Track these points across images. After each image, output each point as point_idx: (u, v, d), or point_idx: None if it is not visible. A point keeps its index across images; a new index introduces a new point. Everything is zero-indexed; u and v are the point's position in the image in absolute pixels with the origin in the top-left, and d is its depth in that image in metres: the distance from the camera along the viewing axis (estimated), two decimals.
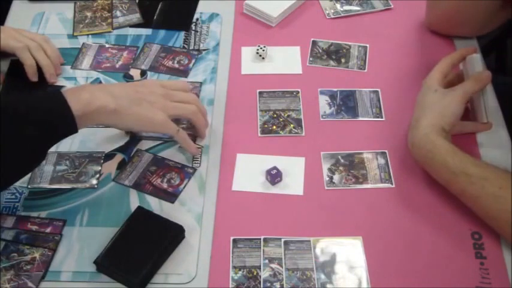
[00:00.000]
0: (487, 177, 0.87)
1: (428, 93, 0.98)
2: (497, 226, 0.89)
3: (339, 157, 1.01)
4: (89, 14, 1.26)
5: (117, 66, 1.16)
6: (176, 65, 1.16)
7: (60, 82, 1.14)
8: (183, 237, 0.91)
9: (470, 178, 0.88)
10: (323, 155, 1.02)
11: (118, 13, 1.26)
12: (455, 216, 0.93)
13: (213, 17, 1.25)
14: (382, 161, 1.01)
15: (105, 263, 0.87)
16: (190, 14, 1.26)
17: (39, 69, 1.11)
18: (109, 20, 1.25)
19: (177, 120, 1.00)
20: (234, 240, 0.91)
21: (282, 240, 0.91)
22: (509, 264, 0.88)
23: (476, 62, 1.01)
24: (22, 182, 0.98)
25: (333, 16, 1.25)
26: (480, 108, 1.01)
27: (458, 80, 1.02)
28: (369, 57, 1.17)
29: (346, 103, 1.09)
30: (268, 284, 0.87)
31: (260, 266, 0.88)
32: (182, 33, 1.22)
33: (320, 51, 1.18)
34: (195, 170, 1.00)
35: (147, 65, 1.16)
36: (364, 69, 1.15)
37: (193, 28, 1.23)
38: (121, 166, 1.01)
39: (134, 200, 0.96)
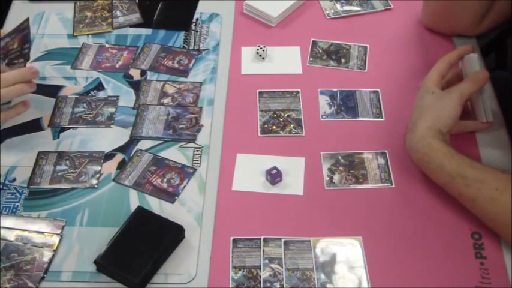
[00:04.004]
0: (484, 180, 0.87)
1: (425, 96, 0.98)
2: (495, 227, 0.89)
3: (339, 157, 1.01)
4: (89, 14, 1.26)
5: (117, 66, 1.16)
6: (176, 65, 1.16)
7: (60, 82, 1.14)
8: (183, 237, 0.91)
9: (467, 181, 0.88)
10: (323, 155, 1.02)
11: (118, 13, 1.26)
12: (455, 216, 0.93)
13: (213, 17, 1.25)
14: (382, 161, 1.01)
15: (105, 263, 0.87)
16: (190, 14, 1.26)
17: None
18: (109, 20, 1.25)
19: None
20: (234, 240, 0.91)
21: (282, 240, 0.91)
22: (509, 264, 0.88)
23: (473, 62, 1.00)
24: (22, 182, 0.98)
25: (333, 16, 1.25)
26: (479, 107, 1.01)
27: (457, 79, 1.02)
28: (369, 57, 1.17)
29: (346, 103, 1.09)
30: (268, 284, 0.87)
31: (260, 266, 0.88)
32: (182, 33, 1.22)
33: (320, 51, 1.18)
34: (195, 170, 1.00)
35: (147, 65, 1.16)
36: (364, 69, 1.15)
37: (193, 28, 1.23)
38: (121, 166, 1.01)
39: (134, 200, 0.96)
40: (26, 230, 0.92)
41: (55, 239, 0.91)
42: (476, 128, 1.02)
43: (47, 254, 0.89)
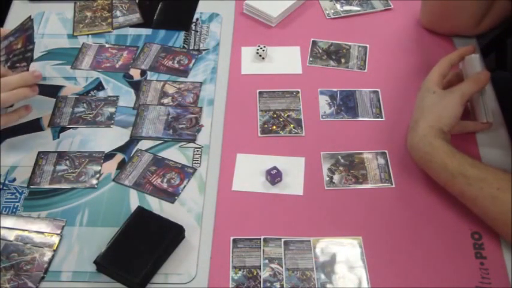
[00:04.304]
0: (485, 179, 0.87)
1: (426, 95, 0.98)
2: (496, 227, 0.89)
3: (339, 157, 1.01)
4: (89, 14, 1.26)
5: (117, 66, 1.16)
6: (176, 65, 1.16)
7: (60, 82, 1.14)
8: (183, 237, 0.91)
9: (468, 179, 0.88)
10: (323, 155, 1.02)
11: (118, 13, 1.26)
12: (455, 216, 0.93)
13: (213, 17, 1.25)
14: (382, 161, 1.01)
15: (105, 263, 0.87)
16: (190, 14, 1.26)
17: None
18: (109, 20, 1.25)
19: None
20: (234, 240, 0.91)
21: (282, 240, 0.91)
22: (509, 264, 0.88)
23: (475, 62, 1.01)
24: (22, 182, 0.98)
25: (333, 16, 1.25)
26: (479, 108, 1.01)
27: (458, 79, 1.02)
28: (369, 57, 1.17)
29: (346, 103, 1.09)
30: (268, 284, 0.87)
31: (260, 266, 0.88)
32: (182, 33, 1.22)
33: (320, 51, 1.18)
34: (195, 170, 1.00)
35: (147, 65, 1.16)
36: (364, 69, 1.15)
37: (193, 28, 1.23)
38: (121, 166, 1.01)
39: (134, 200, 0.96)
40: (26, 230, 0.92)
41: (55, 239, 0.91)
42: (476, 128, 1.02)
43: (47, 254, 0.89)
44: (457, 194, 0.91)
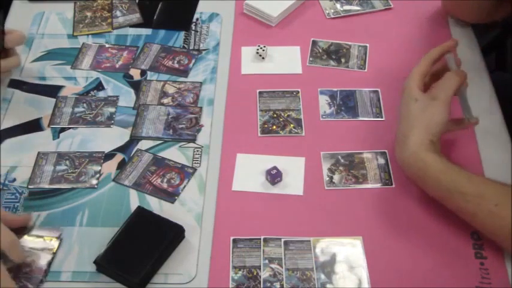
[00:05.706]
0: (483, 195, 0.85)
1: (410, 103, 0.94)
2: (497, 241, 0.88)
3: (339, 157, 1.01)
4: (89, 14, 1.26)
5: (117, 66, 1.16)
6: (176, 65, 1.16)
7: (60, 82, 1.14)
8: (183, 237, 0.91)
9: (465, 196, 0.86)
10: (323, 155, 1.02)
11: (118, 13, 1.26)
12: (455, 216, 0.93)
13: (213, 17, 1.25)
14: (382, 161, 1.01)
15: (105, 263, 0.87)
16: (190, 14, 1.26)
17: None
18: (109, 20, 1.25)
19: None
20: (234, 240, 0.91)
21: (282, 240, 0.91)
22: (509, 264, 0.88)
23: (450, 62, 0.97)
24: (22, 182, 0.98)
25: (333, 16, 1.25)
26: (461, 106, 0.98)
27: (444, 71, 0.98)
28: (369, 57, 1.17)
29: (346, 103, 1.09)
30: (268, 284, 0.87)
31: (260, 266, 0.88)
32: (182, 33, 1.22)
33: (320, 51, 1.18)
34: (195, 170, 1.00)
35: (147, 65, 1.16)
36: (364, 69, 1.15)
37: (193, 28, 1.23)
38: (121, 166, 1.01)
39: (134, 200, 0.96)
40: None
41: (54, 243, 0.91)
42: (459, 126, 0.99)
43: (47, 257, 0.89)
44: (454, 209, 0.89)
